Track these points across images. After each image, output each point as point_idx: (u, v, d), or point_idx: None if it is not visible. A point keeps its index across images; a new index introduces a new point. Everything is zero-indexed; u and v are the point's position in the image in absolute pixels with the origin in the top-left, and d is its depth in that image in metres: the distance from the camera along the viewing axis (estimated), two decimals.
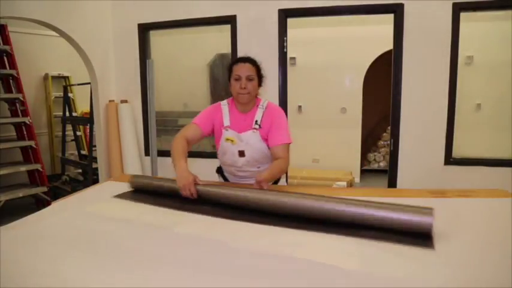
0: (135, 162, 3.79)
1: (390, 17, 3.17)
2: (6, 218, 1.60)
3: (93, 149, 4.27)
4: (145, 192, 1.70)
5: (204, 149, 3.87)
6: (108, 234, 1.24)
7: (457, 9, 2.97)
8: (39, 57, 5.13)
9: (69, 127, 5.21)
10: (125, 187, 1.76)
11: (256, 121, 1.79)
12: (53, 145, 5.39)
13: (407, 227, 1.13)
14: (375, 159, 5.87)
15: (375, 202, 1.22)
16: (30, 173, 4.32)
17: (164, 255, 1.07)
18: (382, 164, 5.75)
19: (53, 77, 5.29)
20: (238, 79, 1.74)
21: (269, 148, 1.80)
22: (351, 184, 4.69)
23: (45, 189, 4.23)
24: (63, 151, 5.11)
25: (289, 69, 3.52)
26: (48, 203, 3.31)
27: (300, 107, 5.32)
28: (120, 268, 0.99)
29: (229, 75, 1.80)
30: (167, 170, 3.84)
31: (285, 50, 3.38)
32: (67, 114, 5.15)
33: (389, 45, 3.33)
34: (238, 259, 1.03)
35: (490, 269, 0.95)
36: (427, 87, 3.13)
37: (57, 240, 1.19)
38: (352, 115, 5.22)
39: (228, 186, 1.53)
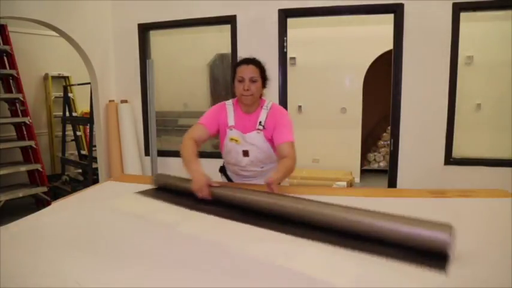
0: (135, 162, 3.79)
1: (390, 17, 3.17)
2: (6, 218, 1.61)
3: (93, 149, 4.27)
4: (167, 190, 1.72)
5: (204, 149, 3.87)
6: (111, 232, 1.25)
7: (457, 9, 2.97)
8: (39, 57, 5.13)
9: (69, 127, 5.21)
10: (125, 187, 1.76)
11: (260, 122, 1.80)
12: (53, 145, 5.39)
13: (419, 244, 1.00)
14: (375, 159, 5.87)
15: (387, 214, 1.10)
16: (30, 173, 4.32)
17: (159, 254, 1.07)
18: (382, 164, 5.75)
19: (53, 77, 5.29)
20: (241, 81, 1.75)
21: (273, 149, 1.82)
22: (351, 184, 4.69)
23: (45, 189, 4.23)
24: (63, 151, 5.11)
25: (289, 69, 3.52)
26: (48, 203, 3.31)
27: (300, 107, 5.32)
28: (118, 268, 0.99)
29: (233, 77, 1.81)
30: (167, 170, 3.83)
31: (285, 50, 3.38)
32: (67, 114, 5.15)
33: (389, 45, 3.33)
34: (228, 262, 1.02)
35: (490, 269, 0.95)
36: (427, 87, 3.13)
37: (57, 240, 1.19)
38: (352, 115, 5.22)
39: (241, 189, 1.52)
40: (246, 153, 1.83)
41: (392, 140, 3.27)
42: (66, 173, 5.02)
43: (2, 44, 4.24)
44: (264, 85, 1.82)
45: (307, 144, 5.11)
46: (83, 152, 5.06)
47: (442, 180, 3.13)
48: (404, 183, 3.21)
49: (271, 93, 3.33)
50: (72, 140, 5.24)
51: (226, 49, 3.60)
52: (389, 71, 3.21)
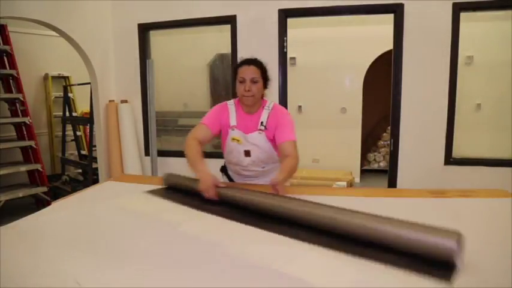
0: (135, 162, 3.79)
1: (390, 17, 3.17)
2: (6, 218, 1.61)
3: (93, 149, 4.27)
4: (176, 190, 1.72)
5: (205, 149, 3.87)
6: (111, 231, 1.25)
7: (457, 9, 2.97)
8: (39, 57, 5.13)
9: (69, 127, 5.21)
10: (125, 187, 1.76)
11: (261, 122, 1.81)
12: (53, 145, 5.39)
13: (424, 251, 0.95)
14: (375, 159, 5.87)
15: (391, 219, 1.05)
16: (30, 173, 4.32)
17: (158, 254, 1.08)
18: (382, 164, 5.75)
19: (53, 77, 5.29)
20: (242, 81, 1.76)
21: (275, 149, 1.83)
22: (351, 184, 4.68)
23: (45, 189, 4.23)
24: (63, 151, 5.11)
25: (289, 69, 3.52)
26: (48, 203, 3.31)
27: (300, 107, 5.32)
28: (118, 268, 0.99)
29: (235, 77, 1.82)
30: (167, 170, 3.83)
31: (285, 50, 3.38)
32: (67, 114, 5.15)
33: (389, 45, 3.33)
34: (224, 264, 1.01)
35: (490, 269, 0.95)
36: (427, 87, 3.13)
37: (57, 240, 1.19)
38: (352, 115, 5.22)
39: (248, 190, 1.51)
40: (247, 153, 1.83)
41: (392, 140, 3.27)
42: (66, 173, 5.02)
43: (2, 44, 4.24)
44: (265, 86, 1.83)
45: (307, 144, 5.09)
46: (83, 152, 5.06)
47: (442, 180, 3.13)
48: (404, 183, 3.21)
49: (271, 93, 3.33)
50: (72, 140, 5.24)
51: (226, 49, 3.60)
52: (389, 71, 3.21)
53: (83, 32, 3.50)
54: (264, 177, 1.93)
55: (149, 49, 3.86)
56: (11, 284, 0.91)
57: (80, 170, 4.95)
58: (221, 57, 3.86)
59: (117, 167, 3.81)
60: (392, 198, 1.65)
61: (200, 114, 4.42)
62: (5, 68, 4.19)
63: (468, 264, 0.96)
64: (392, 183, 3.29)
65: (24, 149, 4.31)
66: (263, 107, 1.84)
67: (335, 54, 5.11)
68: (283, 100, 3.41)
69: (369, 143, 5.98)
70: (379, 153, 5.87)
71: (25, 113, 4.24)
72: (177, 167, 3.82)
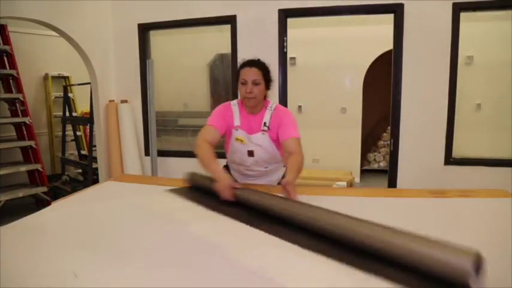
0: (135, 162, 3.79)
1: (390, 17, 3.17)
2: (6, 218, 1.61)
3: (93, 149, 4.27)
4: (197, 189, 1.72)
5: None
6: (111, 231, 1.25)
7: (457, 9, 2.97)
8: (39, 57, 5.13)
9: (69, 127, 5.21)
10: (125, 187, 1.76)
11: (264, 123, 1.82)
12: (53, 145, 5.39)
13: (435, 270, 0.84)
14: (375, 159, 5.87)
15: (403, 232, 0.96)
16: (30, 173, 4.32)
17: (158, 254, 1.08)
18: (382, 164, 5.75)
19: (53, 77, 5.29)
20: (244, 83, 1.77)
21: (278, 149, 1.84)
22: (351, 184, 4.69)
23: (45, 189, 4.23)
24: (63, 151, 5.11)
25: (289, 69, 3.52)
26: (48, 203, 3.31)
27: (300, 107, 5.32)
28: (118, 267, 0.99)
29: (237, 78, 1.83)
30: (167, 170, 3.84)
31: (285, 50, 3.38)
32: (67, 114, 5.15)
33: (389, 45, 3.33)
34: (217, 267, 1.00)
35: (490, 269, 0.95)
36: (427, 87, 3.13)
37: (57, 240, 1.19)
38: (352, 115, 5.22)
39: (263, 193, 1.47)
40: (251, 154, 1.85)
41: (392, 140, 3.27)
42: (66, 173, 5.02)
43: (2, 44, 4.24)
44: (267, 87, 1.84)
45: (307, 144, 5.04)
46: (83, 152, 5.06)
47: (442, 180, 3.13)
48: (404, 183, 3.21)
49: (272, 93, 3.32)
50: (72, 140, 5.24)
51: (226, 49, 3.60)
52: (389, 71, 3.21)
53: (83, 32, 3.50)
54: (267, 176, 1.94)
55: (149, 49, 3.86)
56: (11, 284, 0.91)
57: (80, 170, 4.95)
58: (221, 57, 3.86)
59: (117, 167, 3.81)
60: (392, 198, 1.65)
61: (200, 114, 4.41)
62: (5, 68, 4.19)
63: None
64: (392, 183, 3.29)
65: (24, 149, 4.31)
66: (266, 107, 1.85)
67: (335, 54, 5.11)
68: (283, 100, 3.41)
69: (369, 143, 5.98)
70: (379, 153, 5.87)
71: (25, 113, 4.24)
72: (177, 167, 3.83)
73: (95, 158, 4.14)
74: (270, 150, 1.84)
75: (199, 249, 1.11)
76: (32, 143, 4.21)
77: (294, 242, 1.12)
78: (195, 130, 4.11)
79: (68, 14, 3.35)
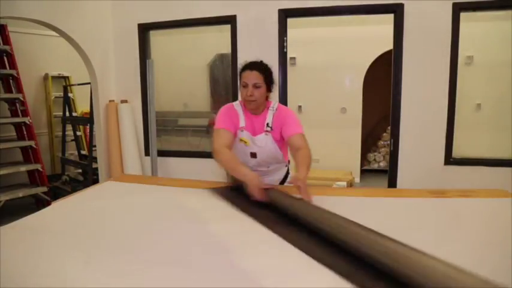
0: (135, 162, 3.79)
1: (390, 17, 3.17)
2: (6, 218, 1.61)
3: (93, 149, 4.27)
4: (237, 189, 1.70)
5: (204, 149, 3.87)
6: (112, 231, 1.25)
7: (457, 9, 2.97)
8: (39, 57, 5.13)
9: (69, 127, 5.21)
10: (125, 187, 1.76)
11: (267, 124, 1.83)
12: (53, 145, 5.39)
13: None
14: (375, 159, 5.87)
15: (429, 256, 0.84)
16: (30, 173, 4.31)
17: (160, 253, 1.07)
18: (382, 164, 5.75)
19: (53, 77, 5.29)
20: (245, 86, 1.78)
21: (281, 150, 1.86)
22: (351, 184, 4.69)
23: (45, 189, 4.23)
24: (63, 151, 5.11)
25: (289, 69, 3.52)
26: (48, 203, 3.31)
27: (300, 107, 5.32)
28: (118, 268, 0.99)
29: (239, 79, 1.83)
30: (167, 170, 3.84)
31: (285, 50, 3.38)
32: (67, 114, 5.15)
33: (389, 45, 3.32)
34: (214, 268, 0.99)
35: (490, 269, 0.95)
36: (427, 87, 3.13)
37: (57, 240, 1.19)
38: (352, 115, 5.22)
39: (290, 197, 1.41)
40: (253, 155, 1.87)
41: (392, 140, 3.26)
42: (66, 173, 5.02)
43: (2, 44, 4.24)
44: (269, 89, 1.84)
45: None
46: (83, 152, 5.06)
47: (442, 180, 3.13)
48: (404, 183, 3.21)
49: (272, 93, 3.33)
50: (72, 140, 5.24)
51: (226, 49, 3.60)
52: (389, 71, 3.21)
53: (83, 32, 3.50)
54: (269, 176, 1.95)
55: (149, 49, 3.86)
56: (11, 284, 0.91)
57: (80, 170, 4.95)
58: (221, 57, 3.85)
59: (117, 167, 3.81)
60: (392, 198, 1.65)
61: (200, 114, 4.40)
62: (5, 68, 4.19)
63: (468, 264, 0.96)
64: (392, 183, 3.29)
65: (24, 149, 4.31)
66: (268, 108, 1.86)
67: (335, 54, 5.11)
68: (283, 100, 3.41)
69: (369, 143, 5.98)
70: (379, 153, 5.87)
71: (25, 113, 4.24)
72: (177, 167, 3.83)
73: (95, 158, 4.14)
74: (273, 151, 1.86)
75: (202, 249, 1.11)
76: (32, 143, 4.21)
77: (305, 251, 1.05)
78: (195, 130, 4.12)
79: (68, 14, 3.35)
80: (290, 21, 3.39)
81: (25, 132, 4.27)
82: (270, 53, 3.32)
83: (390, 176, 3.32)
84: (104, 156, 3.88)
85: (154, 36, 3.87)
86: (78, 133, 5.23)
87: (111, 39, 3.85)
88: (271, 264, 1.01)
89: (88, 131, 4.58)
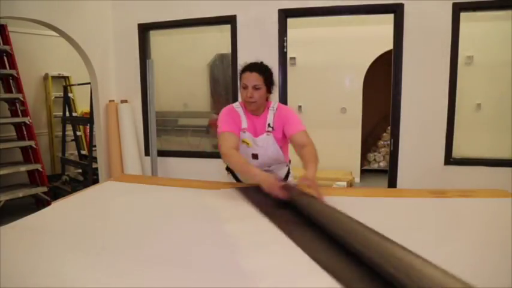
0: (135, 162, 3.79)
1: (390, 17, 3.17)
2: (6, 218, 1.61)
3: (93, 149, 4.27)
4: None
5: (204, 149, 3.87)
6: (112, 231, 1.25)
7: (457, 9, 2.97)
8: (39, 57, 5.13)
9: (69, 127, 5.21)
10: (125, 187, 1.76)
11: (268, 124, 1.84)
12: (53, 145, 5.39)
13: None
14: (375, 159, 5.87)
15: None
16: (30, 173, 4.31)
17: (160, 254, 1.07)
18: (382, 164, 5.75)
19: (53, 77, 5.29)
20: (245, 87, 1.79)
21: (282, 150, 1.87)
22: (351, 184, 4.69)
23: (45, 189, 4.22)
24: (63, 151, 5.11)
25: (289, 69, 3.52)
26: (48, 203, 3.31)
27: (300, 107, 5.32)
28: (118, 268, 0.99)
29: (239, 80, 1.84)
30: (167, 170, 3.84)
31: (285, 50, 3.38)
32: (67, 114, 5.15)
33: (389, 45, 3.32)
34: (215, 268, 0.99)
35: (490, 269, 0.95)
36: (427, 87, 3.13)
37: (57, 240, 1.19)
38: (352, 115, 5.22)
39: (307, 196, 1.40)
40: (255, 156, 1.88)
41: (392, 140, 3.26)
42: (66, 173, 5.02)
43: (2, 44, 4.24)
44: (269, 91, 1.85)
45: None
46: (83, 152, 5.06)
47: (442, 180, 3.13)
48: (404, 183, 3.21)
49: (272, 93, 3.33)
50: (72, 140, 5.24)
51: (226, 49, 3.60)
52: (389, 71, 3.21)
53: (83, 32, 3.50)
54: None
55: (149, 49, 3.86)
56: (11, 284, 0.91)
57: (80, 170, 4.95)
58: (221, 57, 3.85)
59: (117, 167, 3.81)
60: (392, 198, 1.65)
61: (200, 114, 4.40)
62: (5, 68, 4.19)
63: (468, 264, 0.97)
64: (392, 183, 3.29)
65: (24, 149, 4.31)
66: (268, 108, 1.87)
67: (335, 54, 5.11)
68: (283, 100, 3.41)
69: (369, 143, 5.98)
70: (379, 153, 5.87)
71: (25, 113, 4.24)
72: (177, 167, 3.83)
73: (95, 158, 4.14)
74: (274, 151, 1.87)
75: (201, 249, 1.11)
76: (32, 143, 4.21)
77: (313, 255, 1.02)
78: (195, 130, 4.12)
79: (68, 14, 3.35)
80: (290, 21, 3.39)
81: (25, 132, 4.27)
82: (270, 53, 3.32)
83: (390, 176, 3.32)
84: (104, 156, 3.88)
85: (154, 36, 3.87)
86: (78, 133, 5.23)
87: (111, 39, 3.85)
88: (271, 265, 1.01)
89: (88, 131, 4.58)
